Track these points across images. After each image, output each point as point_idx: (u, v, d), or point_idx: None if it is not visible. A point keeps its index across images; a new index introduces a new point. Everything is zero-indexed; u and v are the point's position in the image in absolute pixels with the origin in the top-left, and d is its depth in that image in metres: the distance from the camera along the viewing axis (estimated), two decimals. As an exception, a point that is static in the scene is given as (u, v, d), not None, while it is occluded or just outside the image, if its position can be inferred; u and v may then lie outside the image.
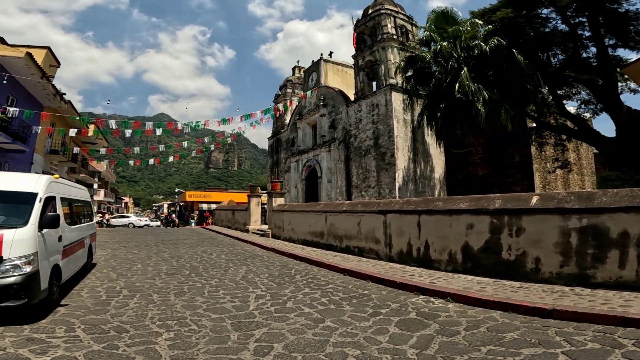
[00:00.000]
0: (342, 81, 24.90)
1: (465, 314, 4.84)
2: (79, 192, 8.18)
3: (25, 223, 4.47)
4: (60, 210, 5.77)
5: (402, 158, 17.36)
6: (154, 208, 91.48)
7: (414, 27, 20.90)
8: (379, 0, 21.17)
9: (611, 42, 13.45)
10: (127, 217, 33.39)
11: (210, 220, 23.69)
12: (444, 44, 11.73)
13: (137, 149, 22.20)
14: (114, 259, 10.71)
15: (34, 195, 4.88)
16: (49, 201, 5.33)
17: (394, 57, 18.86)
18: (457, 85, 11.63)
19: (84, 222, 7.98)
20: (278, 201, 19.00)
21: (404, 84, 14.44)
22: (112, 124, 14.04)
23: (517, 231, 6.48)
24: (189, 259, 10.67)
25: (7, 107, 11.80)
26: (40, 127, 14.52)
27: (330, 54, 26.17)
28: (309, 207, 15.45)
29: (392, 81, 18.20)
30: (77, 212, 7.52)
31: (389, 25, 19.57)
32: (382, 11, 19.94)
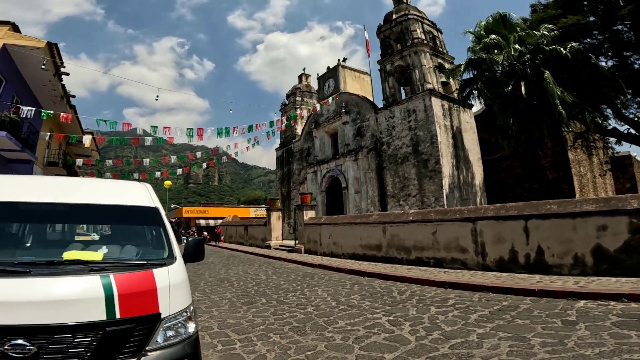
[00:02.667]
0: (361, 87, 24.08)
1: (677, 312, 4.57)
2: None
3: (171, 256, 2.85)
4: None
5: (446, 165, 16.50)
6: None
7: (439, 33, 20.55)
8: (403, 6, 20.75)
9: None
10: None
11: (222, 238, 21.77)
12: (516, 46, 11.25)
13: (147, 161, 20.05)
14: (157, 284, 9.16)
15: (156, 211, 3.19)
16: None
17: (427, 62, 18.27)
18: (523, 88, 11.13)
19: None
20: (309, 214, 17.72)
21: (459, 87, 13.77)
22: (139, 129, 12.29)
23: (664, 229, 6.29)
24: (240, 281, 9.75)
25: (21, 106, 9.76)
26: (48, 134, 12.45)
27: (344, 60, 25.39)
28: (357, 218, 14.29)
29: (429, 86, 17.51)
30: None
31: (418, 31, 19.05)
32: (409, 16, 19.45)
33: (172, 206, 45.65)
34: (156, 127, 12.77)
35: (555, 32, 11.83)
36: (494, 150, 20.32)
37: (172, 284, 2.51)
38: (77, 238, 5.29)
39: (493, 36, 12.14)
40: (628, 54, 13.07)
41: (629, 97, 14.76)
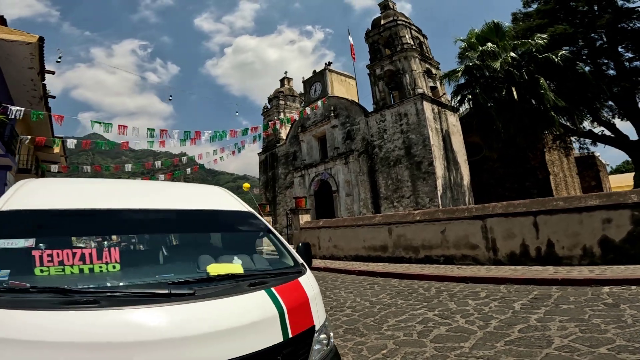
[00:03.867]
0: (347, 92, 24.38)
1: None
2: None
3: (297, 263, 2.66)
4: None
5: (439, 166, 17.12)
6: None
7: (425, 39, 21.32)
8: (391, 12, 21.31)
9: (629, 55, 14.83)
10: None
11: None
12: (512, 54, 11.97)
13: (129, 166, 18.90)
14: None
15: (254, 216, 3.01)
16: None
17: (417, 67, 18.89)
18: (516, 93, 11.86)
19: None
20: (304, 218, 17.58)
21: (453, 92, 14.43)
22: (139, 130, 11.54)
23: (663, 220, 6.82)
24: (253, 287, 9.51)
25: (9, 106, 8.76)
26: (29, 137, 11.39)
27: (330, 63, 25.58)
28: (360, 220, 14.36)
29: (420, 90, 18.09)
30: None
31: (407, 36, 19.68)
32: (399, 22, 20.04)
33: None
34: (153, 129, 12.07)
35: (545, 40, 12.75)
36: (476, 152, 21.38)
37: (315, 293, 2.32)
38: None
39: (490, 44, 12.89)
40: (605, 61, 14.35)
41: (602, 101, 16.17)
